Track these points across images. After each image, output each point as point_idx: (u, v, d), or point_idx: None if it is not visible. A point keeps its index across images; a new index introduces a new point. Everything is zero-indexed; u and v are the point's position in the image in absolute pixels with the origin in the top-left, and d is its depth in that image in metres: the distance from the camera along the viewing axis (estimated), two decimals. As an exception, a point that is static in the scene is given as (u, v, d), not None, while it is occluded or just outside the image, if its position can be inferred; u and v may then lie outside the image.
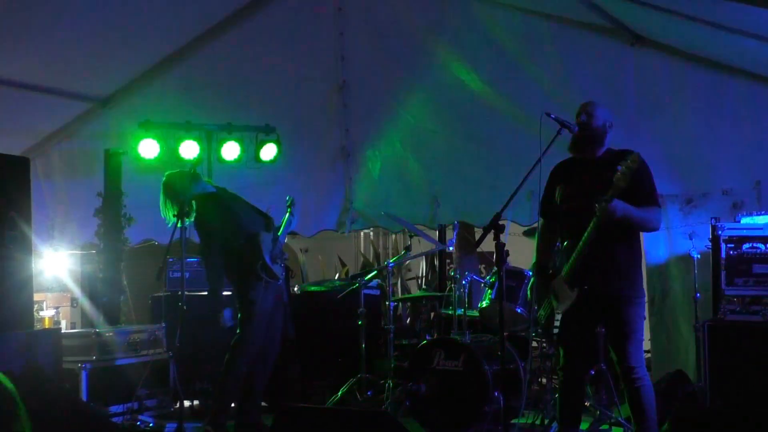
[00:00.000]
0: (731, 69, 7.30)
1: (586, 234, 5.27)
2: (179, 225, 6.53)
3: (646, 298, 5.64)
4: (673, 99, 7.60)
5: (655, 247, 7.77)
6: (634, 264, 5.48)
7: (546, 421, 6.68)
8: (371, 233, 13.12)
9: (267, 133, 8.47)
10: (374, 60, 8.78)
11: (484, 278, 7.59)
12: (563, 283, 5.45)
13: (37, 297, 8.15)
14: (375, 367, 7.98)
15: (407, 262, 10.23)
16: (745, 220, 6.81)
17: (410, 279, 11.79)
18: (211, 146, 8.43)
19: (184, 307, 6.57)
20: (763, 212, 6.85)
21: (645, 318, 5.54)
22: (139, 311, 9.17)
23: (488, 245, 5.34)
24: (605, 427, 6.71)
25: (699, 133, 7.54)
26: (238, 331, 6.73)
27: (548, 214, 5.73)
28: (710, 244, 6.78)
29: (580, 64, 7.86)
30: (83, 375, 7.18)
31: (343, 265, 11.73)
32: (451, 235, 9.28)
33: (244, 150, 8.37)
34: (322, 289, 8.63)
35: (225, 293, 6.78)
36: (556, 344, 6.24)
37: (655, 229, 5.55)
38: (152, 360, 7.60)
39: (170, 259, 8.03)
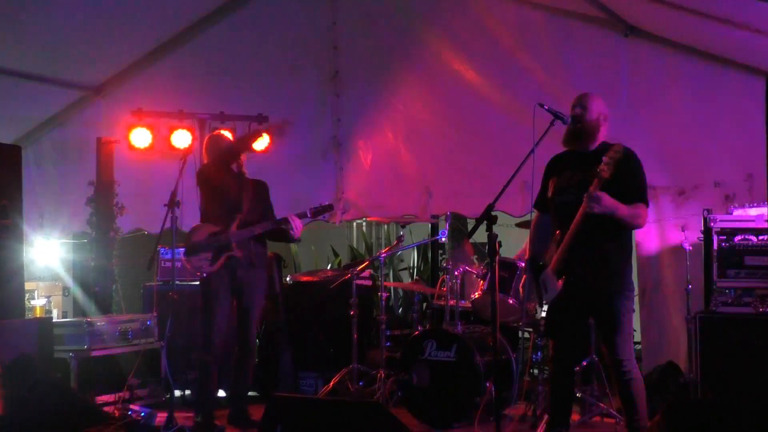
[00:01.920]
0: (724, 60, 7.31)
1: (573, 225, 5.28)
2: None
3: (635, 292, 5.63)
4: (666, 90, 7.60)
5: (647, 239, 7.77)
6: (624, 258, 5.48)
7: (537, 412, 6.68)
8: (363, 224, 13.09)
9: (260, 122, 8.45)
10: (367, 50, 8.76)
11: (476, 269, 7.58)
12: (551, 274, 5.46)
13: (28, 286, 8.13)
14: (367, 357, 7.97)
15: (399, 252, 10.22)
16: (738, 212, 6.80)
17: (402, 269, 11.78)
18: (203, 135, 8.39)
19: (175, 297, 6.57)
20: (755, 204, 6.85)
21: (634, 311, 5.54)
22: (130, 301, 9.14)
23: (481, 236, 5.33)
24: (597, 418, 6.72)
25: (691, 125, 7.54)
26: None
27: (542, 207, 5.74)
28: (702, 235, 6.78)
29: (573, 55, 7.86)
30: (74, 364, 7.16)
31: (336, 255, 11.71)
32: (443, 226, 9.27)
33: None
34: (315, 279, 8.62)
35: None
36: (546, 336, 6.26)
37: (639, 226, 5.54)
38: (144, 349, 7.59)
39: (161, 249, 8.00)
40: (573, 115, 5.46)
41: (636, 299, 6.05)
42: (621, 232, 5.44)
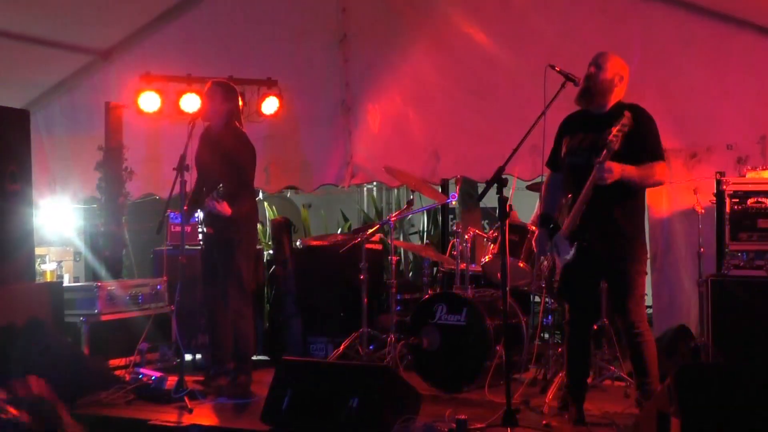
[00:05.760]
0: (738, 21, 7.24)
1: (582, 193, 5.24)
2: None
3: (648, 255, 5.59)
4: (679, 52, 7.53)
5: (658, 202, 7.74)
6: (635, 222, 5.44)
7: (548, 376, 6.68)
8: (374, 188, 13.07)
9: (269, 86, 8.42)
10: (376, 12, 8.68)
11: (486, 233, 7.56)
12: (564, 238, 5.43)
13: (39, 251, 8.16)
14: (377, 321, 7.96)
15: (409, 216, 10.21)
16: (751, 175, 6.74)
17: (412, 233, 11.77)
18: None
19: (184, 261, 6.57)
20: (769, 167, 6.80)
21: (647, 274, 5.52)
22: (141, 265, 9.17)
23: (491, 200, 5.30)
24: (607, 382, 6.71)
25: (704, 87, 7.48)
26: None
27: (554, 166, 5.69)
28: (715, 198, 6.74)
29: (585, 17, 7.78)
30: (85, 329, 7.19)
31: (346, 219, 11.70)
32: (454, 189, 9.23)
33: (245, 103, 8.30)
34: (325, 243, 8.61)
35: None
36: (560, 299, 6.24)
37: (660, 183, 5.51)
38: (154, 314, 7.61)
39: (171, 214, 8.01)
40: (587, 74, 5.40)
41: (648, 263, 6.02)
42: (630, 196, 5.39)
